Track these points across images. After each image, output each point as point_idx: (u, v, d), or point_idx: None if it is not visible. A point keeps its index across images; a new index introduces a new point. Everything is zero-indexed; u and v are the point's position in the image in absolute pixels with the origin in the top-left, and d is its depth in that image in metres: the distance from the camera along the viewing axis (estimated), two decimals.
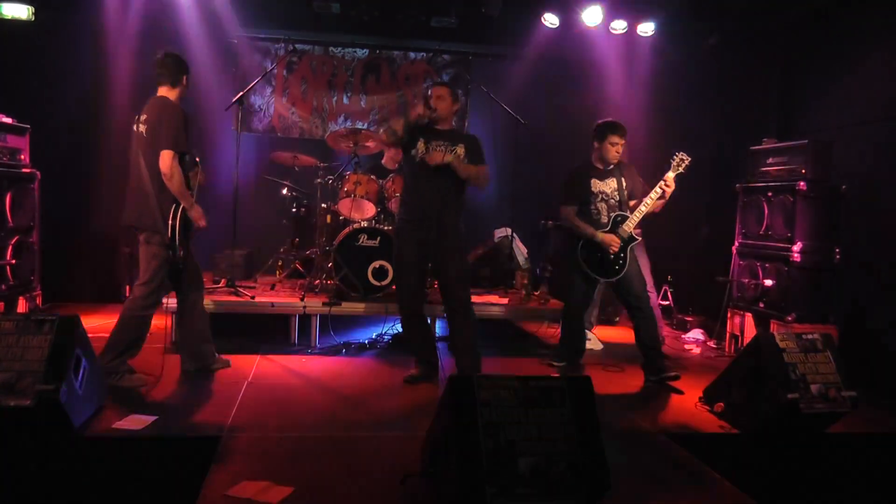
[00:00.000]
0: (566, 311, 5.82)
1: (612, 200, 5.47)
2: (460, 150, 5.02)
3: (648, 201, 5.34)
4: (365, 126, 8.59)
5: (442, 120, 5.11)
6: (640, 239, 5.44)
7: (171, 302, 5.56)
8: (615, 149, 5.40)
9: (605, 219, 5.46)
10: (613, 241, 5.35)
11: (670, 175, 5.33)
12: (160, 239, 4.67)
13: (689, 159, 5.38)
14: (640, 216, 5.37)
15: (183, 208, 4.69)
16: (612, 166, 5.50)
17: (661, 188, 5.32)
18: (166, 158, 4.57)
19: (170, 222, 4.63)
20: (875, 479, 3.90)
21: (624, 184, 5.49)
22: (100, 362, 4.48)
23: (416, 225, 5.02)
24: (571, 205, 5.53)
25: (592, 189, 5.48)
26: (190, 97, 7.57)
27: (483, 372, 5.04)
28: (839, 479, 3.86)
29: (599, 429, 3.06)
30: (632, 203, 5.50)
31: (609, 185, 5.47)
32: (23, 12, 7.18)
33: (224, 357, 5.37)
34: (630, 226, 5.37)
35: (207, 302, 5.96)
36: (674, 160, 5.38)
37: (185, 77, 4.91)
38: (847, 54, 6.45)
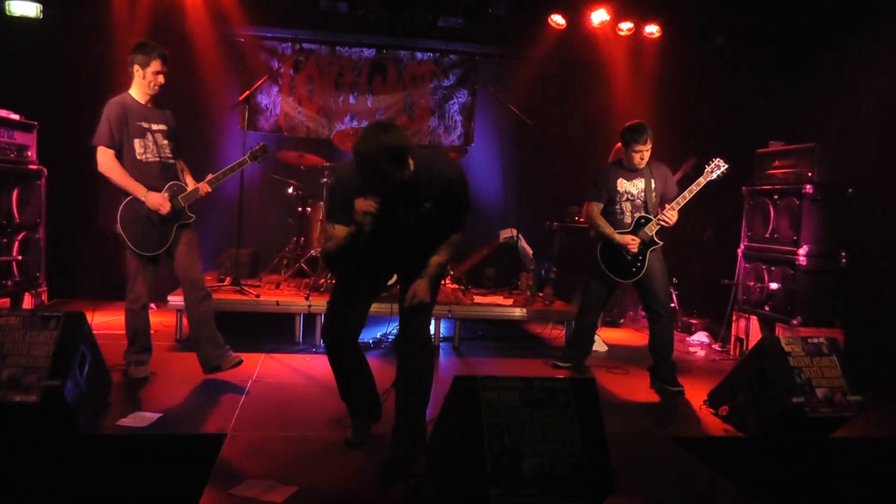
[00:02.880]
0: (579, 311, 5.78)
1: (638, 201, 5.37)
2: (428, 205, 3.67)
3: (676, 206, 5.25)
4: None
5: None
6: (661, 243, 5.36)
7: (175, 299, 5.59)
8: (639, 155, 5.27)
9: (628, 219, 5.38)
10: (632, 243, 5.29)
11: (702, 181, 5.22)
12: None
13: (726, 167, 5.24)
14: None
15: (132, 200, 4.68)
16: (640, 167, 5.40)
17: (690, 193, 5.23)
18: (97, 156, 4.63)
19: (116, 214, 4.67)
20: (880, 484, 3.89)
21: (653, 185, 5.36)
22: None
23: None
24: (596, 202, 5.47)
25: (618, 188, 5.39)
26: (197, 96, 7.66)
27: (486, 375, 5.02)
28: (844, 483, 3.85)
29: (604, 431, 3.05)
30: (667, 206, 5.33)
31: (636, 186, 5.37)
32: (31, 10, 7.20)
33: (234, 355, 5.30)
34: (652, 229, 5.29)
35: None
36: (708, 166, 5.26)
37: (134, 66, 4.73)
38: (854, 56, 6.43)
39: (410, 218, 3.67)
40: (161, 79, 4.77)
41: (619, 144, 5.61)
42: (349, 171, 3.64)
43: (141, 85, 4.75)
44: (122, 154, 4.68)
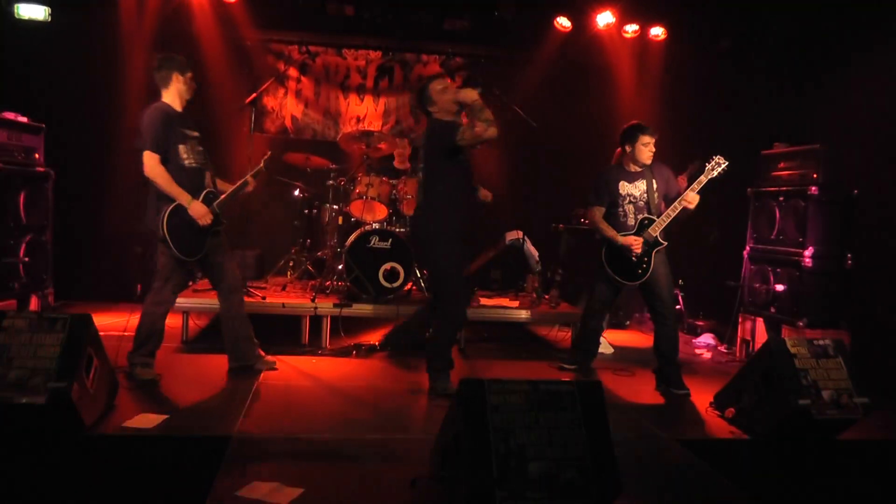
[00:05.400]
0: (585, 313, 5.79)
1: (641, 203, 5.37)
2: None
3: (678, 206, 5.23)
4: (377, 128, 8.60)
5: None
6: (665, 243, 5.35)
7: (183, 301, 5.61)
8: (648, 148, 5.28)
9: (631, 221, 5.38)
10: (635, 244, 5.28)
11: (703, 179, 5.19)
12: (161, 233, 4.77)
13: (726, 164, 5.20)
14: (668, 221, 5.26)
15: (177, 206, 4.73)
16: (642, 168, 5.40)
17: (693, 192, 5.20)
18: (145, 160, 4.67)
19: (159, 219, 4.72)
20: (887, 486, 3.88)
21: (655, 186, 5.37)
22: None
23: (462, 230, 4.88)
24: (598, 206, 5.47)
25: (620, 191, 5.39)
26: (204, 98, 7.67)
27: (492, 378, 5.03)
28: (850, 486, 3.84)
29: (610, 433, 3.05)
30: (687, 191, 5.30)
31: (638, 188, 5.38)
32: (39, 13, 7.24)
33: (270, 358, 5.41)
34: (656, 230, 5.28)
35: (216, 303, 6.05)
36: (709, 164, 5.23)
37: (173, 75, 4.85)
38: (859, 57, 6.41)
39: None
40: (194, 85, 4.95)
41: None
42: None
43: (181, 91, 4.88)
44: (169, 159, 4.74)
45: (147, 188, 4.82)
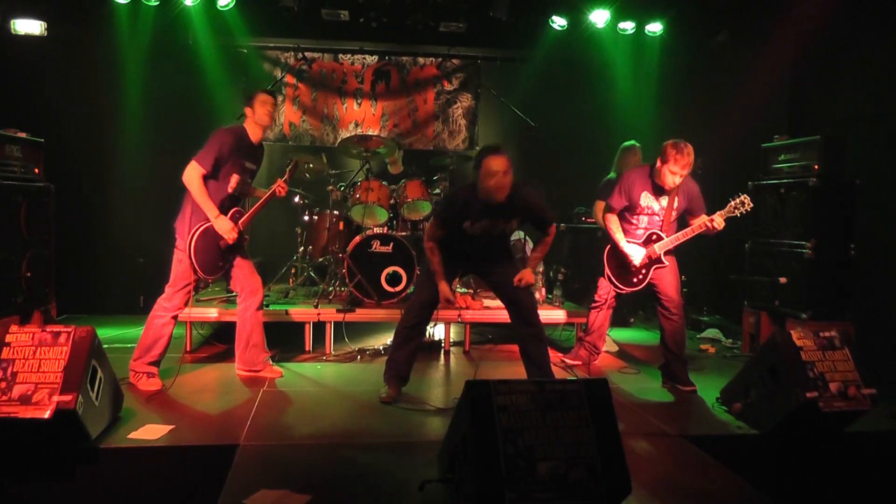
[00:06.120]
0: (589, 311, 5.76)
1: (657, 218, 5.27)
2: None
3: (689, 232, 5.12)
4: (376, 133, 8.60)
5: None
6: (667, 265, 5.26)
7: (186, 311, 5.60)
8: (673, 178, 5.01)
9: (640, 232, 5.33)
10: (636, 254, 5.25)
11: (719, 218, 5.00)
12: (183, 245, 4.86)
13: (751, 206, 5.00)
14: (676, 243, 5.19)
15: (206, 227, 4.84)
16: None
17: (706, 225, 5.04)
18: (188, 168, 4.81)
19: (188, 238, 4.83)
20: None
21: (676, 203, 5.21)
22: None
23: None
24: (615, 206, 5.35)
25: (641, 202, 5.26)
26: (201, 107, 7.70)
27: (498, 379, 5.01)
28: (860, 478, 3.83)
29: (618, 431, 3.04)
30: (691, 221, 5.19)
31: (660, 202, 5.24)
32: (36, 28, 7.24)
33: (276, 368, 5.43)
34: (662, 247, 5.21)
35: (218, 310, 6.05)
36: (732, 201, 5.02)
37: (246, 108, 5.07)
38: (858, 47, 6.40)
39: (496, 229, 4.76)
40: (267, 110, 5.11)
41: (628, 150, 5.53)
42: (468, 194, 4.69)
43: (250, 122, 5.07)
44: (217, 178, 4.91)
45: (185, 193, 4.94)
